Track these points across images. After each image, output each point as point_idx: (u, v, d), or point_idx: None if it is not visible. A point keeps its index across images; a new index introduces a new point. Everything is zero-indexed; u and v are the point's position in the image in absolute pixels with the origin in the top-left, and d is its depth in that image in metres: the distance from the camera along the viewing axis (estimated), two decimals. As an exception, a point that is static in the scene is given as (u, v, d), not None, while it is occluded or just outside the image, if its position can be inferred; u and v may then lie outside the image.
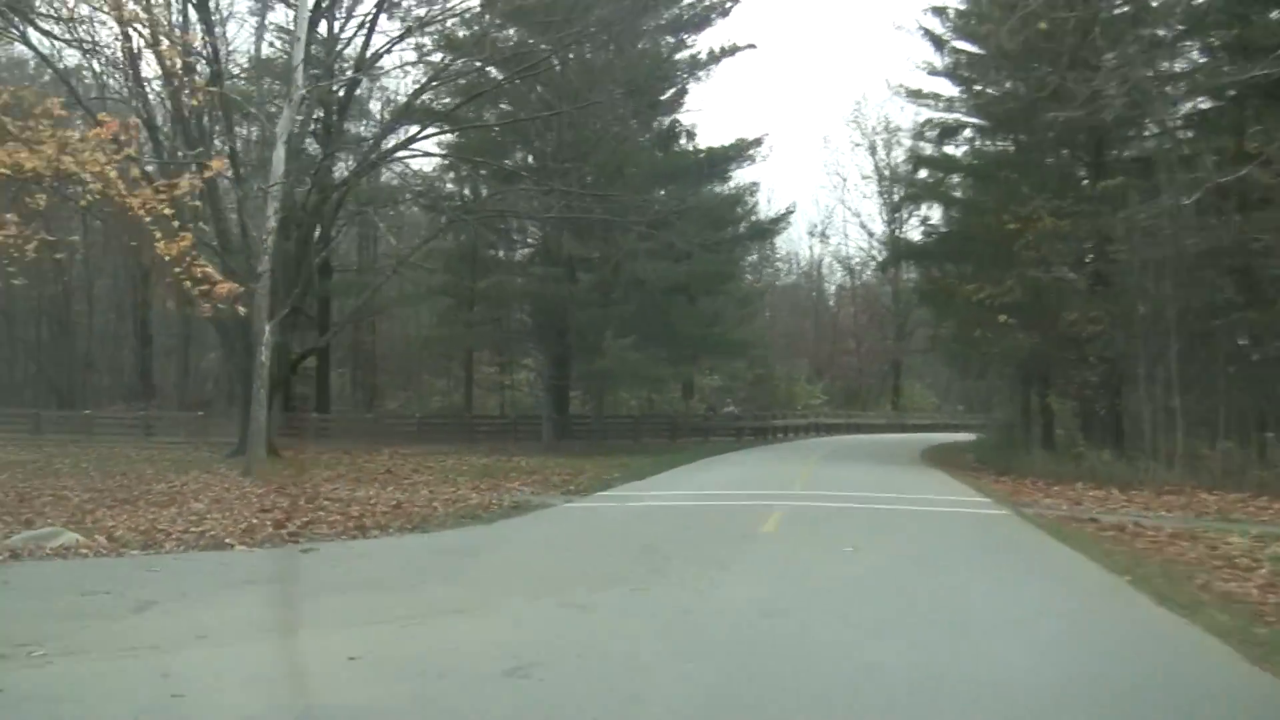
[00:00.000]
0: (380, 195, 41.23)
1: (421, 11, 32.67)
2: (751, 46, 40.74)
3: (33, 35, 25.51)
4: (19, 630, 7.44)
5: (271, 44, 36.73)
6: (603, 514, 17.48)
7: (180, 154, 26.54)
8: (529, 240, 41.91)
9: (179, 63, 26.39)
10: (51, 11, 22.26)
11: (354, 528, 14.08)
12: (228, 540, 12.61)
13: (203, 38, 28.59)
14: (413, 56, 35.09)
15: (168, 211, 15.20)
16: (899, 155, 62.55)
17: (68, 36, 22.31)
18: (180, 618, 8.18)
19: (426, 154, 36.39)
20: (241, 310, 18.74)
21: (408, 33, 32.19)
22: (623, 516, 16.94)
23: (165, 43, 21.83)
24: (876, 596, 9.55)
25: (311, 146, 33.83)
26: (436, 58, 34.11)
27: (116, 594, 9.08)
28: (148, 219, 14.37)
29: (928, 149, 37.39)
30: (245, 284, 19.50)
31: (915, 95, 37.10)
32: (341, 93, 33.85)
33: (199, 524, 13.94)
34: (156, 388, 48.10)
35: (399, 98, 37.15)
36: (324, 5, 31.56)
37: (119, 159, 13.96)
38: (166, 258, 14.64)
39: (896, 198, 63.26)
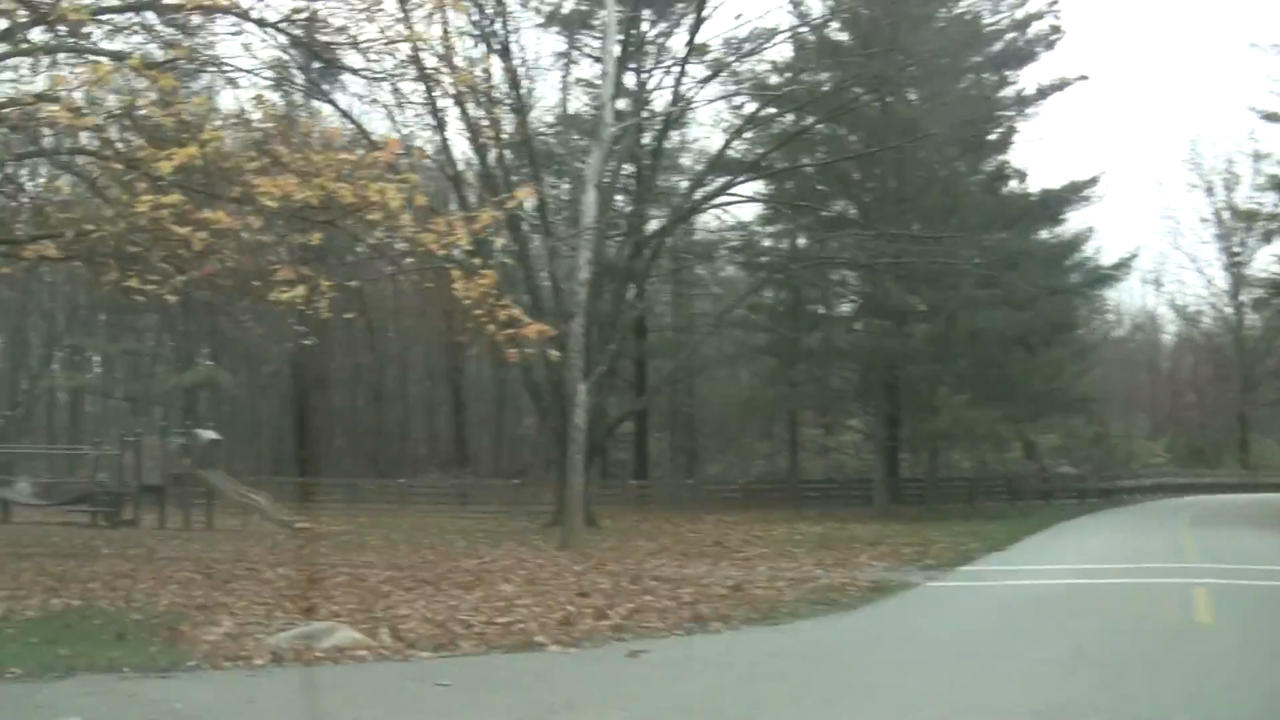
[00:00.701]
0: (695, 250, 39.85)
1: (731, 59, 31.04)
2: (1083, 78, 37.07)
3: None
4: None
5: (575, 95, 35.74)
6: (983, 597, 14.73)
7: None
8: (851, 294, 39.74)
9: (483, 112, 25.40)
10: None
11: (689, 618, 11.51)
12: (538, 638, 10.15)
13: (508, 87, 27.64)
14: (723, 105, 33.58)
15: (468, 247, 13.21)
16: (1241, 194, 58.94)
17: (372, 93, 21.27)
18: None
19: (744, 199, 34.58)
20: (553, 354, 16.73)
21: (715, 73, 30.69)
22: (1010, 601, 14.15)
23: (469, 93, 20.63)
24: None
25: (625, 205, 32.42)
26: (749, 109, 33.04)
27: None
28: (441, 253, 12.35)
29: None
30: (555, 325, 17.55)
31: (1273, 118, 33.23)
32: (653, 143, 32.35)
33: (506, 612, 11.61)
34: (472, 455, 47.73)
35: (711, 149, 35.41)
36: (630, 51, 30.22)
37: (406, 187, 11.94)
38: (466, 300, 12.53)
39: (1240, 239, 60.34)
